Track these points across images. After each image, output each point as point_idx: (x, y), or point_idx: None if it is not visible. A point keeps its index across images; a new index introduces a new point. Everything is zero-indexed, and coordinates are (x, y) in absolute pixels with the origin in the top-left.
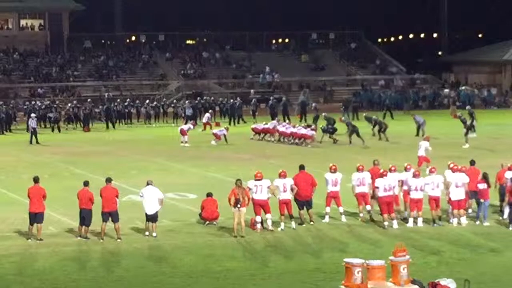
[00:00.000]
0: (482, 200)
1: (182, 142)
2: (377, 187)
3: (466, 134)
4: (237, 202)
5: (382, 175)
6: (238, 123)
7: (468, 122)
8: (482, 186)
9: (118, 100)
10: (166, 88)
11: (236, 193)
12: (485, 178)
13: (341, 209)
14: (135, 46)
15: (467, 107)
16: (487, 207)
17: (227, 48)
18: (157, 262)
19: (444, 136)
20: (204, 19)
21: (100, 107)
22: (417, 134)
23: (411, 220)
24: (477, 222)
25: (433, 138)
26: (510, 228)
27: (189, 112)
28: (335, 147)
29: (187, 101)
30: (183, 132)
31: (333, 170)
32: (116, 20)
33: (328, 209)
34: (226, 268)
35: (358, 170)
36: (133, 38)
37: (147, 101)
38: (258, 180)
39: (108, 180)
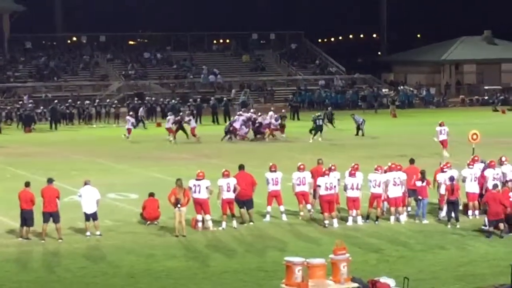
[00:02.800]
0: (420, 198)
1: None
2: (319, 186)
3: (357, 134)
4: (177, 202)
5: (323, 174)
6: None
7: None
8: (420, 184)
9: (55, 101)
10: (107, 88)
11: (176, 193)
12: (423, 176)
13: (282, 208)
14: (76, 47)
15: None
16: (426, 205)
17: (168, 48)
18: (98, 262)
19: (384, 135)
20: (145, 20)
21: (42, 107)
22: (357, 134)
23: (350, 218)
24: (416, 220)
25: (372, 137)
26: (449, 226)
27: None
28: (275, 146)
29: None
30: (170, 131)
31: (273, 170)
32: (57, 21)
33: (269, 208)
34: (168, 268)
35: (298, 169)
36: (74, 39)
37: (88, 101)
38: (199, 179)
39: (50, 180)
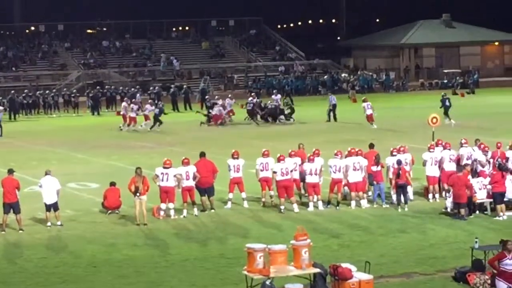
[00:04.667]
0: (375, 183)
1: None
2: (275, 172)
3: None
4: (136, 190)
5: (279, 160)
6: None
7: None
8: (375, 168)
9: (12, 91)
10: (66, 78)
11: (136, 181)
12: (377, 160)
13: (243, 195)
14: (34, 36)
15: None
16: (383, 189)
17: (127, 36)
18: (59, 252)
19: (344, 120)
20: (104, 8)
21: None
22: (328, 119)
23: (311, 204)
24: (375, 205)
25: (332, 122)
26: (399, 210)
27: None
28: (238, 133)
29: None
30: (146, 117)
31: (235, 156)
32: (14, 10)
33: (231, 195)
34: (129, 257)
35: (263, 155)
36: (32, 28)
37: (47, 91)
38: (166, 167)
39: (10, 171)
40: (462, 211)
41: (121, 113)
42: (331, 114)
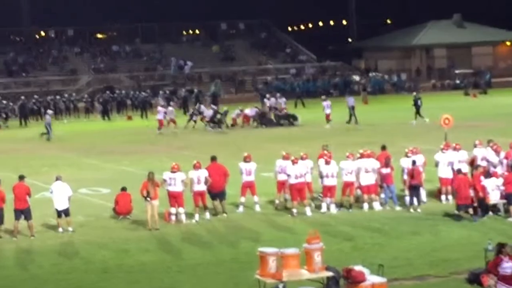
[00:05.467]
0: (385, 185)
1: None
2: (289, 175)
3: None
4: (147, 195)
5: (293, 163)
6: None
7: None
8: (385, 171)
9: (22, 97)
10: (77, 83)
11: (148, 186)
12: (387, 163)
13: (255, 199)
14: (44, 41)
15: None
16: (394, 191)
17: (137, 41)
18: (71, 259)
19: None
20: (113, 13)
21: (11, 104)
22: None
23: (324, 205)
24: (387, 207)
25: (344, 125)
26: (411, 211)
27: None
28: (248, 136)
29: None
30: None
31: (247, 160)
32: (24, 15)
33: (242, 199)
34: (141, 262)
35: (283, 158)
36: (42, 33)
37: (58, 96)
38: (174, 172)
39: (21, 177)
40: (470, 210)
41: (158, 118)
42: (352, 115)
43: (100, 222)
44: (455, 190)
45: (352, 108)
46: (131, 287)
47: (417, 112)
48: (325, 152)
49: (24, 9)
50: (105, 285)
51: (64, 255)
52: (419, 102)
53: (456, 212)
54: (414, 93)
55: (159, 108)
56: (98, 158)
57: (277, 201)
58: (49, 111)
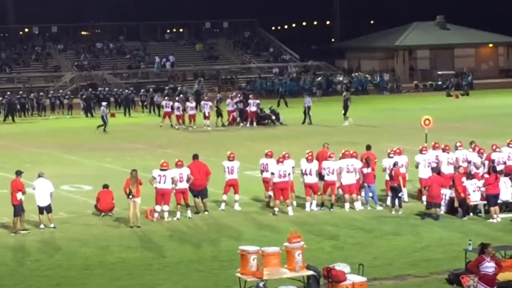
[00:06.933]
0: (366, 184)
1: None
2: (272, 173)
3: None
4: (129, 192)
5: (278, 162)
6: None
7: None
8: (366, 170)
9: (8, 93)
10: (60, 79)
11: (130, 184)
12: (367, 163)
13: (237, 197)
14: (28, 38)
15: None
16: (375, 191)
17: (121, 38)
18: (52, 255)
19: (338, 122)
20: (97, 10)
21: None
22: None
23: (307, 204)
24: (368, 207)
25: (326, 124)
26: (392, 212)
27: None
28: (229, 134)
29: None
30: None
31: (231, 158)
32: (8, 12)
33: (225, 197)
34: (122, 259)
35: (266, 156)
36: (26, 30)
37: (41, 93)
38: (163, 170)
39: (18, 173)
40: (437, 210)
41: (176, 113)
42: (306, 115)
43: (82, 219)
44: (428, 188)
45: (308, 108)
46: (112, 284)
47: (345, 112)
48: (326, 149)
49: (9, 6)
50: (86, 282)
51: (46, 251)
52: (348, 102)
53: (426, 210)
54: (344, 93)
55: (176, 104)
56: (81, 155)
57: (266, 199)
58: (104, 103)
